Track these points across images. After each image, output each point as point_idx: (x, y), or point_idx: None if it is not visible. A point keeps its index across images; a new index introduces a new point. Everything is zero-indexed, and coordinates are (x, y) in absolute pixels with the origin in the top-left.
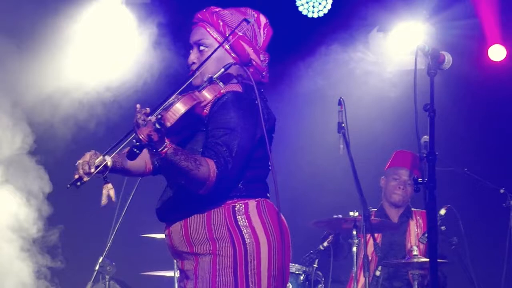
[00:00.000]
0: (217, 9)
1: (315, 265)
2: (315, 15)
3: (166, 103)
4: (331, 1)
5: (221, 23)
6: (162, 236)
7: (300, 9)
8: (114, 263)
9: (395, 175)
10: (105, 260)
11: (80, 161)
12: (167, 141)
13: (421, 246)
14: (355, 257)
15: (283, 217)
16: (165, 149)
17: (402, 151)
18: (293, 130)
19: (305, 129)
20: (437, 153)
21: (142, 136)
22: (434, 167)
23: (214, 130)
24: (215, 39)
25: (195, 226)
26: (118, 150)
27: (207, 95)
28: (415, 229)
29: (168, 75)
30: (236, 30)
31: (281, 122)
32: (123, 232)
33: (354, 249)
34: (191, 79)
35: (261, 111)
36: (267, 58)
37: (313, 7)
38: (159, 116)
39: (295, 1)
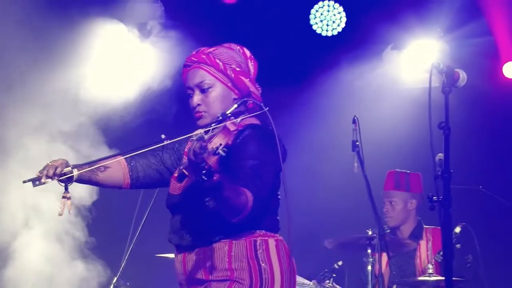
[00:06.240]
0: (210, 49)
1: (330, 284)
2: (329, 34)
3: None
4: (345, 19)
5: (220, 63)
6: None
7: (314, 27)
8: (128, 283)
9: (383, 199)
10: (119, 280)
11: (49, 163)
12: None
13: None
14: (370, 276)
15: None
16: (215, 177)
17: (388, 173)
18: (307, 148)
19: (319, 147)
20: (452, 170)
21: (212, 163)
22: (449, 185)
23: (242, 161)
24: (217, 78)
25: (216, 255)
26: (90, 166)
27: (231, 128)
28: (425, 247)
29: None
30: (234, 66)
31: (295, 140)
32: (137, 252)
33: (369, 267)
34: (224, 123)
35: (278, 143)
36: (260, 89)
37: (327, 25)
38: (220, 144)
39: (309, 20)
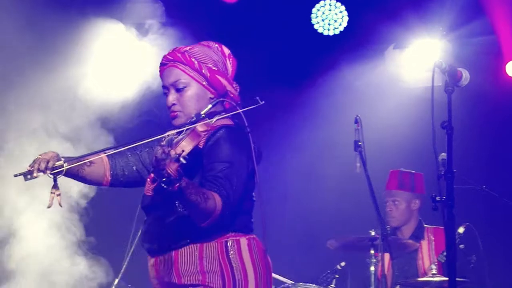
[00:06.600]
0: (186, 48)
1: (333, 285)
2: (331, 33)
3: (166, 138)
4: (347, 18)
5: (196, 62)
6: None
7: (315, 27)
8: (130, 285)
9: (385, 198)
10: (121, 282)
11: (40, 156)
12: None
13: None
14: (372, 276)
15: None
16: (179, 183)
17: (391, 172)
18: (309, 148)
19: (321, 147)
20: (455, 170)
21: (172, 171)
22: (453, 185)
23: (212, 163)
24: (192, 77)
25: (186, 258)
26: (78, 161)
27: (201, 129)
28: (427, 248)
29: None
30: (210, 65)
31: (297, 140)
32: (139, 254)
33: (372, 268)
34: (200, 122)
35: (252, 144)
36: (238, 88)
37: (329, 24)
38: (182, 151)
39: (310, 19)
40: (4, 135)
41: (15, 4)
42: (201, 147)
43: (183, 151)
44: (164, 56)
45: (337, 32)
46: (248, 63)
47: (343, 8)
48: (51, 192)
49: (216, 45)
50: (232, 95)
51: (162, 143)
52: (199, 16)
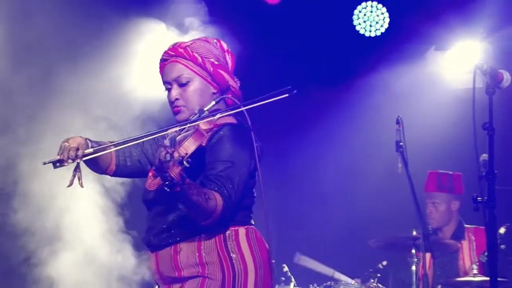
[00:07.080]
0: (188, 43)
1: (375, 283)
2: (372, 34)
3: (168, 136)
4: (388, 20)
5: (199, 57)
6: None
7: (357, 28)
8: None
9: (426, 200)
10: None
11: (68, 144)
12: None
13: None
14: (414, 276)
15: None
16: (182, 185)
17: (429, 174)
18: (351, 147)
19: (363, 147)
20: (496, 171)
21: (175, 174)
22: (494, 186)
23: (214, 162)
24: (195, 72)
25: (185, 252)
26: (103, 150)
27: (204, 127)
28: (468, 248)
29: None
30: (213, 60)
31: (339, 140)
32: None
33: (413, 267)
34: (200, 120)
35: (254, 142)
36: (238, 82)
37: (370, 26)
38: (185, 154)
39: (352, 21)
40: (45, 136)
41: (59, 5)
42: (204, 145)
43: (186, 153)
44: (165, 52)
45: (378, 33)
46: (289, 63)
47: (384, 9)
48: (73, 174)
49: (215, 40)
50: (234, 89)
51: (165, 141)
52: (241, 16)
